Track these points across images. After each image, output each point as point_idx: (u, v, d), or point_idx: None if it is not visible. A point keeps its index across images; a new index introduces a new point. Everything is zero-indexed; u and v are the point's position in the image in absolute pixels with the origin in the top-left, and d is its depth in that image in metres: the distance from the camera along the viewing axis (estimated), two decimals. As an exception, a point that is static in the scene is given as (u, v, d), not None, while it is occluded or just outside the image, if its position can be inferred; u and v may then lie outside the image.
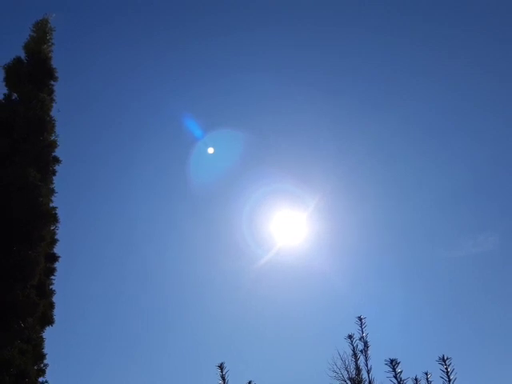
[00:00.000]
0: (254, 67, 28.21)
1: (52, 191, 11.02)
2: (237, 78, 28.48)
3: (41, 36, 12.01)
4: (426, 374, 3.57)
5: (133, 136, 29.98)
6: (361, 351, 4.25)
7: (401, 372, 3.46)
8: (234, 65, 28.89)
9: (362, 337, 4.26)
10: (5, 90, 11.32)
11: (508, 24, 25.11)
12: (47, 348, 10.14)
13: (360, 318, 4.33)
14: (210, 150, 23.83)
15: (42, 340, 10.11)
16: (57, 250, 11.14)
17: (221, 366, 4.29)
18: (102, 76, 29.70)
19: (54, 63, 12.09)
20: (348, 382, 4.59)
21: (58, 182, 11.24)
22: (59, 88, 12.04)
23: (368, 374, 4.09)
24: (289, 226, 22.44)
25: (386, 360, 3.56)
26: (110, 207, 29.21)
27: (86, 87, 29.11)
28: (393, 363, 3.49)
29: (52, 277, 10.90)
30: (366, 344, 4.23)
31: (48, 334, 10.41)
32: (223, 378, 4.22)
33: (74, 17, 27.70)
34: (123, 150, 30.43)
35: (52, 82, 11.92)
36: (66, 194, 26.67)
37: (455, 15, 26.74)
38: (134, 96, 30.15)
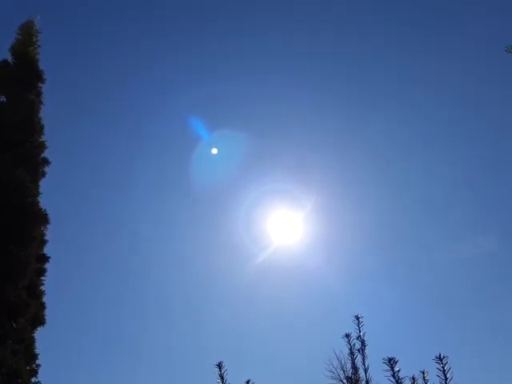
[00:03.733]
0: (257, 70, 28.25)
1: (39, 192, 11.00)
2: (242, 80, 28.46)
3: (26, 39, 11.93)
4: (423, 372, 3.65)
5: (135, 136, 29.71)
6: (358, 350, 4.36)
7: (398, 371, 3.58)
8: (239, 67, 28.81)
9: (360, 336, 4.37)
10: None
11: (505, 30, 25.38)
12: (39, 349, 10.16)
13: (357, 317, 4.41)
14: (214, 151, 23.78)
15: (33, 340, 10.11)
16: (47, 250, 11.11)
17: (219, 365, 4.30)
18: (105, 78, 29.34)
19: (52, 65, 12.17)
20: (344, 381, 4.71)
21: (59, 183, 11.25)
22: (65, 89, 12.05)
23: (365, 372, 4.20)
24: (286, 226, 22.57)
25: (383, 359, 3.66)
26: (110, 207, 28.93)
27: (90, 88, 28.75)
28: (391, 362, 3.60)
29: (42, 277, 10.87)
30: (363, 343, 4.34)
31: (39, 334, 10.41)
32: (221, 377, 4.24)
33: (78, 18, 27.31)
34: (125, 150, 30.14)
35: (40, 84, 11.84)
36: (67, 195, 26.52)
37: (453, 22, 27.00)
38: (138, 96, 29.83)
